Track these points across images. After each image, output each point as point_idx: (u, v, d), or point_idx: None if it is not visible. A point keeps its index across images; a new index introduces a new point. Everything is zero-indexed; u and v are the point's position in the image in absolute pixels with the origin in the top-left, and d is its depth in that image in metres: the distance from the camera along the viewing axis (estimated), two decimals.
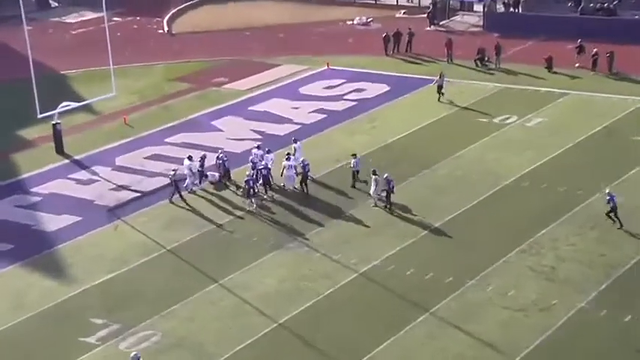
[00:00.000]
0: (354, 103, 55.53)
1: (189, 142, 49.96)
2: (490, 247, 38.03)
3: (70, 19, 79.52)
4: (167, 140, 50.83)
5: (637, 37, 63.57)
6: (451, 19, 73.90)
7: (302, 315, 33.98)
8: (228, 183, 44.85)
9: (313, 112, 54.36)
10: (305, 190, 43.54)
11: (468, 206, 41.61)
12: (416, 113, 53.21)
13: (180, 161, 45.41)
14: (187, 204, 43.07)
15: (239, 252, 38.55)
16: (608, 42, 60.13)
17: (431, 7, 73.55)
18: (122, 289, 36.28)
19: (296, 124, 52.43)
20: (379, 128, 51.40)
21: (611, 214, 38.92)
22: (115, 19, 76.39)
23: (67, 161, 48.85)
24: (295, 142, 46.13)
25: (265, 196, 43.20)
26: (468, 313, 33.52)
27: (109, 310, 34.66)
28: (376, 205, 41.81)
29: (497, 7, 72.70)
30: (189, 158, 44.58)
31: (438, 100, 54.60)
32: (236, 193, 43.76)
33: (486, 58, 61.43)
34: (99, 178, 46.39)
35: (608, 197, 39.00)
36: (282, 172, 43.79)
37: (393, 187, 41.43)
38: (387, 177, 41.57)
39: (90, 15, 78.46)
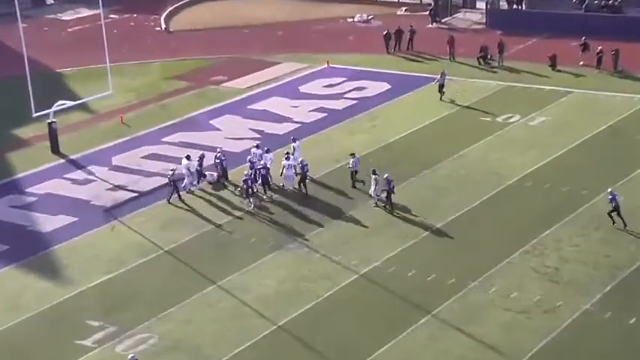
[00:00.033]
0: (354, 102, 55.55)
1: (187, 142, 49.98)
2: (493, 248, 38.06)
3: (66, 16, 79.51)
4: (164, 139, 50.84)
5: None
6: (453, 16, 73.87)
7: (302, 317, 34.00)
8: (226, 183, 44.89)
9: (313, 110, 54.38)
10: (304, 191, 43.56)
11: (470, 206, 41.63)
12: (417, 112, 53.23)
13: (177, 161, 45.45)
14: (185, 204, 43.10)
15: (238, 253, 38.58)
16: (613, 39, 60.15)
17: (433, 4, 73.51)
18: (119, 290, 36.31)
19: (295, 123, 52.45)
20: (380, 127, 51.43)
21: (613, 214, 38.92)
22: (111, 16, 76.34)
23: (62, 161, 48.87)
24: (294, 142, 46.14)
25: (264, 197, 43.23)
26: (471, 315, 33.55)
27: (106, 312, 34.68)
28: (377, 206, 41.84)
29: (501, 4, 72.68)
30: (188, 158, 44.62)
31: (440, 99, 54.61)
32: (234, 193, 43.80)
33: (489, 56, 61.43)
34: (95, 178, 46.41)
35: (610, 197, 39.02)
36: (281, 172, 43.83)
37: (393, 188, 41.45)
38: (387, 177, 41.59)
39: (86, 12, 78.50)
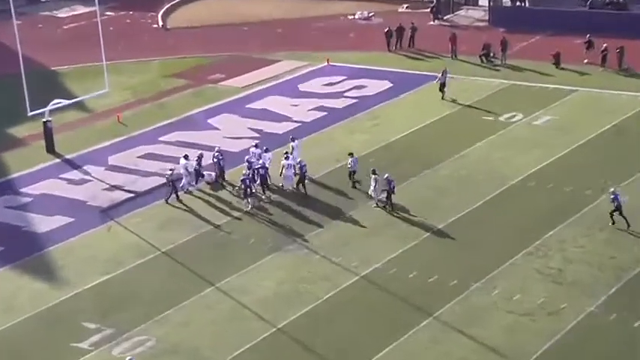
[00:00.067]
0: (354, 101, 55.60)
1: (185, 141, 50.02)
2: (496, 249, 38.11)
3: (62, 13, 79.53)
4: (162, 139, 50.89)
5: None
6: (455, 13, 73.91)
7: (301, 319, 34.05)
8: (224, 183, 44.92)
9: (313, 109, 54.42)
10: (303, 191, 43.61)
11: (472, 207, 41.68)
12: (419, 111, 53.28)
13: (175, 160, 45.50)
14: (184, 204, 43.15)
15: (236, 254, 38.63)
16: (617, 37, 60.13)
17: (434, 1, 73.56)
18: (116, 292, 36.36)
19: (295, 122, 52.49)
20: (381, 126, 51.47)
21: (615, 214, 38.96)
22: (107, 13, 76.45)
23: (58, 160, 48.92)
24: (293, 141, 46.19)
25: (263, 197, 43.28)
26: (473, 317, 33.60)
27: (102, 314, 34.72)
28: (377, 206, 41.89)
29: (503, 1, 72.78)
30: (186, 157, 44.68)
31: (442, 98, 54.64)
32: (232, 193, 43.84)
33: (492, 54, 61.48)
34: (91, 178, 46.46)
35: (612, 196, 39.06)
36: (281, 172, 43.89)
37: (393, 188, 41.50)
38: (387, 177, 41.63)
39: (82, 9, 78.55)
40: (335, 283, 36.14)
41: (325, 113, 53.78)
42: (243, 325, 33.77)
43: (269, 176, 43.76)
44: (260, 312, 34.50)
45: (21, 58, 47.73)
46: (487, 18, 71.18)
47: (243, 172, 43.23)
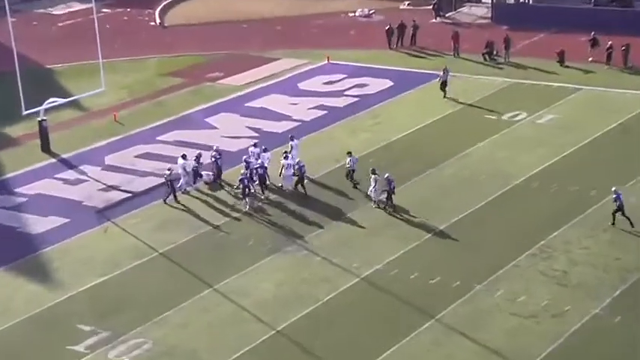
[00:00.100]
0: (355, 99, 55.62)
1: (182, 140, 50.04)
2: (499, 250, 38.12)
3: (57, 10, 79.58)
4: (159, 138, 50.92)
5: None
6: (458, 10, 74.01)
7: (301, 321, 34.05)
8: (222, 183, 44.94)
9: (313, 108, 54.44)
10: (303, 191, 43.62)
11: (475, 207, 41.70)
12: (420, 110, 53.30)
13: (172, 160, 45.51)
14: (182, 204, 43.16)
15: (235, 255, 38.64)
16: (623, 34, 60.22)
17: None
18: (112, 294, 36.36)
19: (295, 121, 52.51)
20: (382, 125, 51.50)
21: (617, 214, 38.94)
22: (104, 10, 76.53)
23: (53, 160, 48.93)
24: (292, 140, 46.23)
25: (262, 197, 43.29)
26: (476, 320, 33.61)
27: (98, 317, 34.71)
28: (378, 206, 41.90)
29: None
30: (184, 157, 44.69)
31: (444, 96, 54.65)
32: (230, 193, 43.85)
33: (495, 52, 61.52)
34: (87, 178, 46.47)
35: (614, 196, 39.07)
36: (280, 172, 43.91)
37: (394, 188, 41.50)
38: (387, 177, 41.64)
39: (77, 6, 78.63)
40: (335, 285, 36.15)
41: (325, 112, 53.80)
42: (242, 328, 33.79)
43: (268, 176, 43.79)
44: (259, 314, 34.51)
45: (16, 56, 47.72)
46: (490, 15, 71.22)
47: (242, 171, 43.24)
